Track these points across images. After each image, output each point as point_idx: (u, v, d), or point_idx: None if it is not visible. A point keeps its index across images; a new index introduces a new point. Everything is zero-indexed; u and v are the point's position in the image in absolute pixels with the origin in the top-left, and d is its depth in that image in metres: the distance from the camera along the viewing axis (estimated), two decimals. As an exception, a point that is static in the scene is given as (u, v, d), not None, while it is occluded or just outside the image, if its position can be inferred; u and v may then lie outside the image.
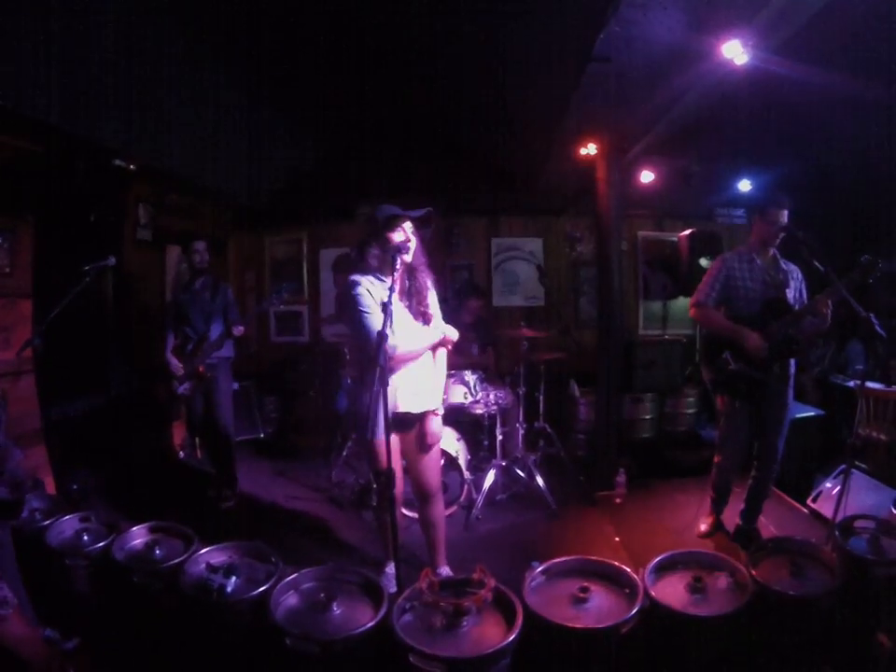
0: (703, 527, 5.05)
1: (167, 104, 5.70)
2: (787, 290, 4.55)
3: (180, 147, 6.19)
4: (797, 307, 4.49)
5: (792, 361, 4.61)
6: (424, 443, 4.02)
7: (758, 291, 4.55)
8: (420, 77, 6.33)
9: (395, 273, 3.56)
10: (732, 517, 4.99)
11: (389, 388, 3.50)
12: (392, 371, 3.75)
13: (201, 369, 5.72)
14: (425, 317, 3.95)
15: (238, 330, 5.65)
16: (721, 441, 4.91)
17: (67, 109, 4.61)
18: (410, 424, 4.01)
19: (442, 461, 4.95)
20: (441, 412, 4.12)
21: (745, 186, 7.82)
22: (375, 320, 3.68)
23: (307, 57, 5.91)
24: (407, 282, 3.94)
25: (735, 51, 4.11)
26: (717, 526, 5.02)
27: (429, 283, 4.02)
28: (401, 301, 3.93)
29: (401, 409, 3.88)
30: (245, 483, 6.26)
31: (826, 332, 4.51)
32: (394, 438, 3.98)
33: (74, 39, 4.47)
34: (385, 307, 3.32)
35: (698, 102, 5.01)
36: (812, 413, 6.18)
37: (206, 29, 5.38)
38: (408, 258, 3.82)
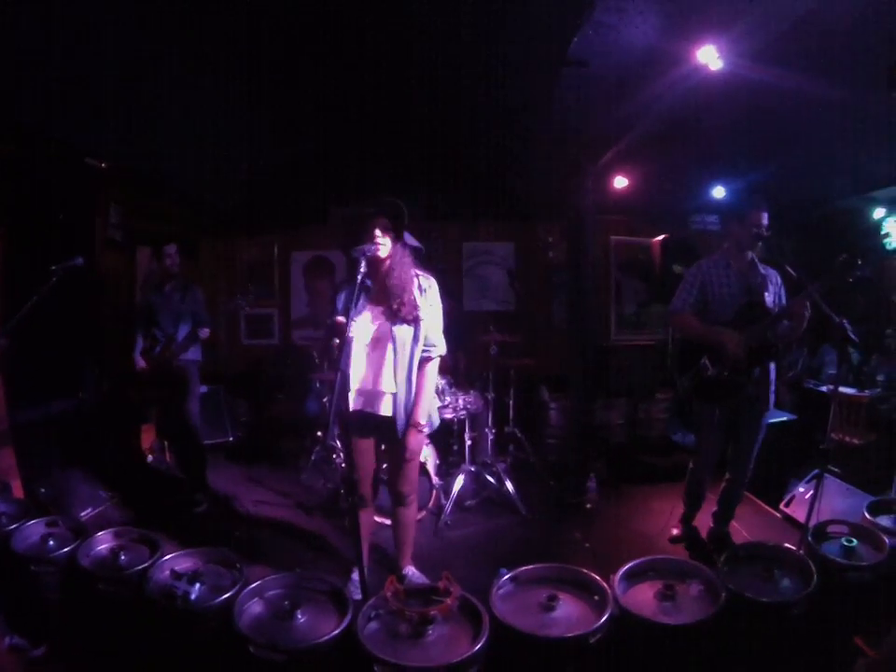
0: (674, 531, 5.04)
1: (141, 104, 5.60)
2: (765, 294, 4.52)
3: (153, 147, 6.13)
4: (776, 311, 4.47)
5: (772, 366, 4.60)
6: (402, 455, 3.92)
7: (735, 296, 4.52)
8: (394, 82, 6.28)
9: (359, 275, 3.39)
10: (705, 520, 4.97)
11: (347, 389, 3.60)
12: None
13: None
14: (401, 318, 3.77)
15: (203, 333, 5.66)
16: (696, 446, 4.94)
17: (37, 107, 4.54)
18: (382, 428, 3.92)
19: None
20: (426, 430, 4.00)
21: (719, 192, 7.82)
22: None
23: (281, 62, 5.85)
24: (383, 282, 3.83)
25: (709, 56, 4.10)
26: (689, 531, 4.99)
27: (420, 282, 3.91)
28: (374, 302, 3.85)
29: (354, 408, 3.80)
30: (213, 488, 6.18)
31: (801, 336, 4.49)
32: (366, 439, 3.96)
33: (45, 35, 4.37)
34: (349, 308, 3.24)
35: (673, 107, 5.02)
36: (785, 418, 6.18)
37: (183, 32, 5.30)
38: (381, 254, 3.74)
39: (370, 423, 3.90)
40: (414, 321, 3.81)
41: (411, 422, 3.86)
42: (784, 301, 4.59)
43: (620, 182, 7.49)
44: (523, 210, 8.82)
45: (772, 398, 4.63)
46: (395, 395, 3.83)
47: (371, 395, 3.84)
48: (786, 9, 3.75)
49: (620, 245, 9.06)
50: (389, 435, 3.91)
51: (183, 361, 5.78)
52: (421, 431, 3.90)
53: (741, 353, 4.33)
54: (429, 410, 4.03)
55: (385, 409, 3.83)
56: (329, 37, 5.37)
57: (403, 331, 3.80)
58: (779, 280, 4.65)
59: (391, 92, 6.58)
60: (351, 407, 3.75)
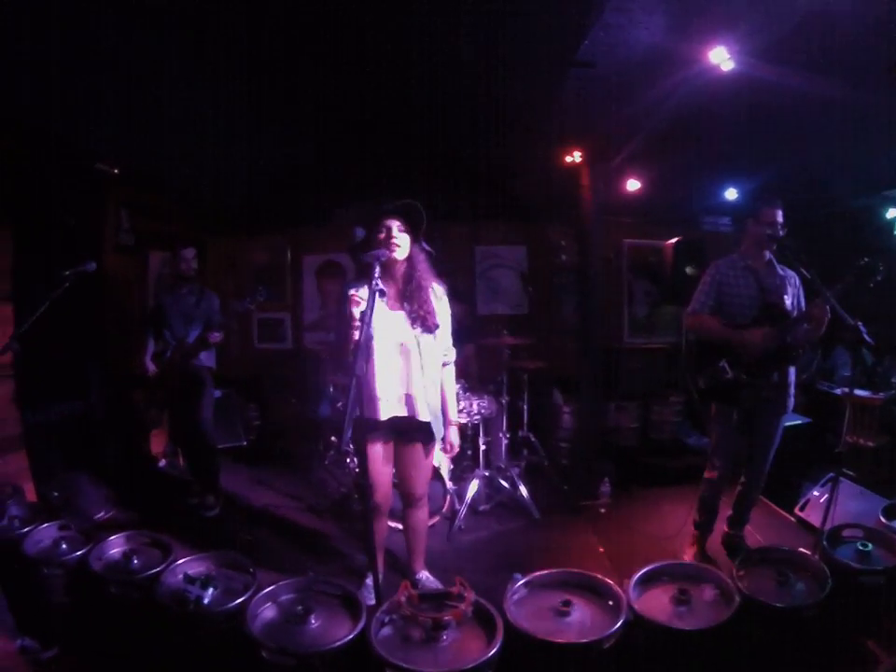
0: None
1: (143, 106, 5.59)
2: (784, 296, 4.42)
3: (155, 149, 6.12)
4: (795, 313, 4.38)
5: (792, 369, 4.49)
6: (425, 455, 4.01)
7: (753, 298, 4.42)
8: (405, 82, 6.27)
9: (374, 276, 3.20)
10: (719, 524, 4.89)
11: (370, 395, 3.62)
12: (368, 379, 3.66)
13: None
14: (424, 324, 3.79)
15: (213, 337, 5.51)
16: (713, 452, 4.75)
17: (49, 111, 4.54)
18: (413, 433, 3.93)
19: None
20: (458, 422, 4.20)
21: (731, 194, 7.77)
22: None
23: (290, 63, 5.85)
24: (404, 285, 3.83)
25: (720, 57, 4.08)
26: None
27: (434, 290, 3.90)
28: (392, 307, 3.80)
29: (386, 415, 3.75)
30: (225, 491, 6.15)
31: (818, 339, 4.40)
32: (385, 446, 3.94)
33: (47, 38, 4.37)
34: (364, 314, 3.10)
35: (683, 107, 4.97)
36: (799, 421, 6.14)
37: (184, 33, 5.30)
38: (398, 256, 3.73)
39: (399, 429, 3.90)
40: (436, 328, 3.84)
41: (446, 422, 4.03)
42: (803, 303, 4.51)
43: (632, 185, 7.44)
44: (534, 213, 8.75)
45: (791, 401, 4.53)
46: (427, 400, 3.83)
47: (404, 401, 3.81)
48: (787, 9, 3.74)
49: (632, 247, 9.00)
50: (422, 439, 3.95)
51: (196, 367, 5.75)
52: (458, 425, 4.10)
53: (767, 343, 4.24)
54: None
55: (423, 414, 3.80)
56: (329, 37, 5.36)
57: (426, 338, 3.81)
58: (798, 282, 4.55)
59: (403, 95, 6.58)
60: (382, 415, 3.74)
